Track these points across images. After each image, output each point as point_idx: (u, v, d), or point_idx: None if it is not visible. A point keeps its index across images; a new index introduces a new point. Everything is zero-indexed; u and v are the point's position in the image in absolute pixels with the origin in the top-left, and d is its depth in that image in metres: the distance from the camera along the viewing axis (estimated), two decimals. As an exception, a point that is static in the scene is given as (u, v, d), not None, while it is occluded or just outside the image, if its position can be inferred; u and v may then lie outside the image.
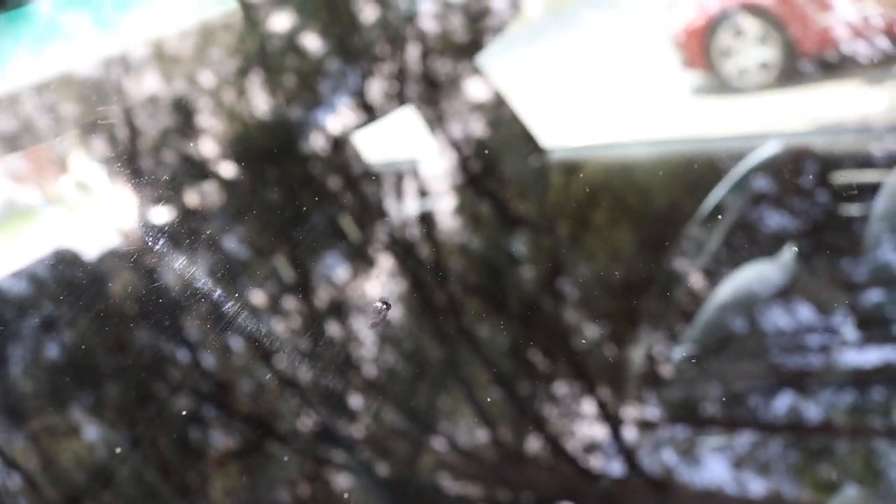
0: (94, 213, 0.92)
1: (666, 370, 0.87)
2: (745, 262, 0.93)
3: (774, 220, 1.03)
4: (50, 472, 0.77)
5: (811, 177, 1.07)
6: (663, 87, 3.32)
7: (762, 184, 1.04)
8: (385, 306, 0.77)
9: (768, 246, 0.96)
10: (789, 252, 0.92)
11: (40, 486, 0.76)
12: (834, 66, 2.67)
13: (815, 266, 0.92)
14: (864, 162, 1.05)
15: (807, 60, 2.88)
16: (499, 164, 1.15)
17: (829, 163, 1.09)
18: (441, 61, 1.02)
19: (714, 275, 0.96)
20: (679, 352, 0.87)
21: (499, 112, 1.15)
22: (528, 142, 1.22)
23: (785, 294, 0.87)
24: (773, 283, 0.89)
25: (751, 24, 3.37)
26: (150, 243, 0.88)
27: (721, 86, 3.52)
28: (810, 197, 1.06)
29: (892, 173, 0.94)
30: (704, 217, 1.02)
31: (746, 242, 1.01)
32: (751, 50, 3.43)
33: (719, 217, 1.00)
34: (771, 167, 1.06)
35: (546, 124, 1.28)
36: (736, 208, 1.01)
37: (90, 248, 0.89)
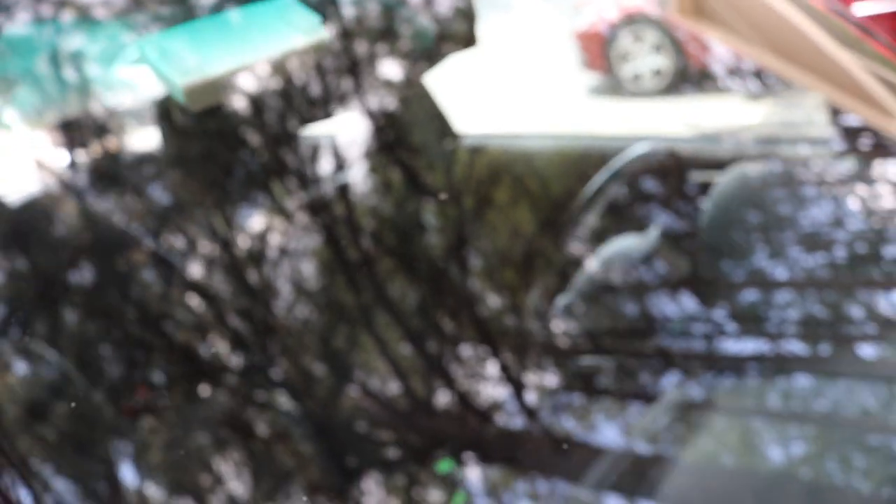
0: (18, 158, 0.97)
1: (551, 321, 1.04)
2: (617, 237, 1.14)
3: (643, 204, 1.25)
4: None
5: (672, 172, 1.30)
6: (563, 84, 3.49)
7: (633, 175, 1.26)
8: None
9: (637, 225, 1.17)
10: (654, 230, 1.12)
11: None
12: (718, 80, 2.88)
13: (671, 241, 1.13)
14: (718, 165, 1.27)
15: (695, 72, 3.10)
16: (416, 143, 1.28)
17: (689, 163, 1.32)
18: (383, 63, 1.14)
19: (592, 246, 1.15)
20: (562, 300, 1.04)
21: (419, 99, 1.28)
22: (443, 126, 1.35)
23: (647, 260, 1.07)
24: (639, 251, 1.09)
25: (649, 33, 3.59)
26: (75, 188, 0.94)
27: (616, 88, 3.72)
28: (670, 188, 1.28)
29: (724, 173, 1.18)
30: (586, 199, 1.22)
31: (619, 222, 1.21)
32: (647, 57, 3.65)
33: (597, 200, 1.21)
34: (641, 162, 1.28)
35: (459, 112, 1.41)
36: (610, 194, 1.22)
37: (13, 193, 0.94)
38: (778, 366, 0.96)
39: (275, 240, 0.99)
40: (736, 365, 0.97)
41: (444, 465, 0.84)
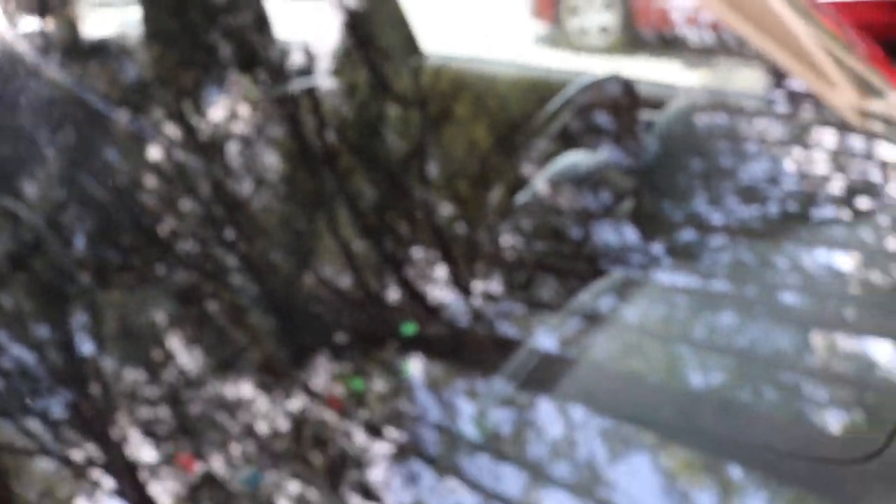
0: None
1: (499, 231, 1.11)
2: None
3: (593, 128, 1.33)
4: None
5: (625, 105, 1.38)
6: (510, 30, 3.51)
7: (585, 100, 1.33)
8: None
9: (588, 147, 1.26)
10: (602, 152, 1.24)
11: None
12: (663, 43, 2.94)
13: (616, 165, 1.22)
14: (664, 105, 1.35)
15: (641, 33, 3.17)
16: (385, 52, 1.30)
17: (638, 99, 1.44)
18: None
19: (546, 161, 1.23)
20: (519, 201, 1.14)
21: (393, 13, 1.32)
22: (411, 43, 1.39)
23: (592, 177, 1.16)
24: (585, 167, 1.20)
25: (599, -11, 3.63)
26: (42, 58, 0.93)
27: (562, 40, 3.76)
28: (620, 115, 1.38)
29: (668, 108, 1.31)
30: (540, 122, 1.29)
31: (569, 145, 1.28)
32: (595, 13, 3.70)
33: (551, 123, 1.27)
34: (595, 90, 1.35)
35: (426, 34, 1.46)
36: (564, 118, 1.28)
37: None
38: (704, 301, 1.03)
39: (242, 126, 1.00)
40: (666, 293, 1.04)
41: (408, 329, 0.89)
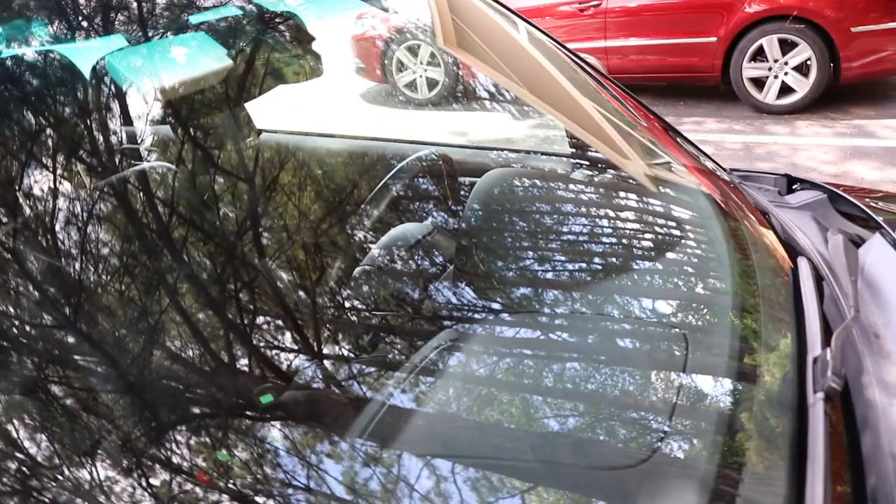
0: None
1: (341, 294, 1.17)
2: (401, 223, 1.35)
3: (421, 199, 1.47)
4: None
5: (446, 175, 1.49)
6: (339, 87, 3.59)
7: (415, 176, 1.45)
8: None
9: (416, 216, 1.38)
10: (428, 220, 1.36)
11: None
12: (484, 98, 3.11)
13: (442, 230, 1.35)
14: (482, 171, 1.48)
15: (466, 86, 3.34)
16: (220, 134, 1.35)
17: (459, 168, 1.59)
18: None
19: (379, 231, 1.33)
20: (359, 269, 1.23)
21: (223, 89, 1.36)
22: (244, 121, 1.45)
23: (421, 242, 1.30)
24: (416, 234, 1.32)
25: (424, 47, 3.79)
26: None
27: (390, 95, 3.88)
28: (444, 187, 1.51)
29: (483, 177, 1.42)
30: (375, 194, 1.40)
31: (400, 214, 1.40)
32: (422, 69, 3.85)
33: (382, 195, 1.40)
34: (421, 165, 1.48)
35: (258, 110, 1.52)
36: (395, 190, 1.41)
37: None
38: (546, 348, 1.11)
39: (74, 209, 1.00)
40: (495, 343, 1.11)
41: (265, 398, 0.92)
